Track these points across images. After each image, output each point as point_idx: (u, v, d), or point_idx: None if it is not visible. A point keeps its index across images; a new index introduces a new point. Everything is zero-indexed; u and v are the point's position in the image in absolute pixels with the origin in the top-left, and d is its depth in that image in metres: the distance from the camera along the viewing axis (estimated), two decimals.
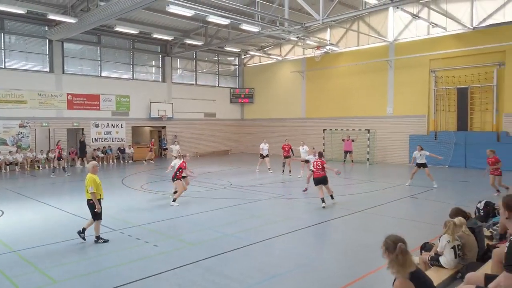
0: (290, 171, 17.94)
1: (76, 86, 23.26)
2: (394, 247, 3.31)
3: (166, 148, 27.28)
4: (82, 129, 23.67)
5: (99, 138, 24.24)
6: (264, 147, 18.89)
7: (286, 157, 18.03)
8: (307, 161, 17.17)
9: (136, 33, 23.27)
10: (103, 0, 16.74)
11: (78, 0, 18.60)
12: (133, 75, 26.38)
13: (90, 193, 7.66)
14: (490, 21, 19.73)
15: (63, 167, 19.14)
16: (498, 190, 12.37)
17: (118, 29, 21.51)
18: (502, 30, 19.18)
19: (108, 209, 10.86)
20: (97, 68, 24.77)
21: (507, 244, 3.45)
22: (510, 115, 19.25)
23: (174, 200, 11.42)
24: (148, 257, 6.91)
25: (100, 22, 18.44)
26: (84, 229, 7.82)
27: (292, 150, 18.07)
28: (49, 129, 22.47)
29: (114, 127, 25.07)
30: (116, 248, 7.43)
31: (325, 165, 11.20)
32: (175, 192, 11.89)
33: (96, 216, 7.78)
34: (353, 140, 22.40)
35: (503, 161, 19.77)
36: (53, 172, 18.98)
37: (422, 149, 14.37)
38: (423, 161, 14.07)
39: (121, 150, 24.74)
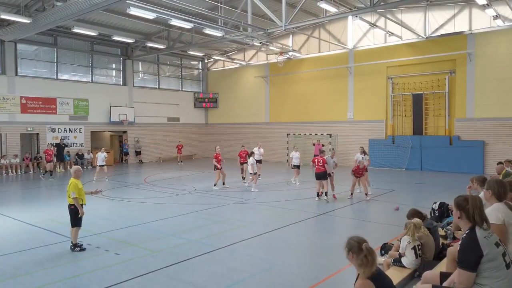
0: (244, 178, 17.10)
1: (30, 88, 22.17)
2: (358, 248, 3.35)
3: (128, 153, 26.58)
4: (37, 134, 22.60)
5: (56, 143, 23.20)
6: (294, 156, 16.91)
7: (243, 163, 17.10)
8: (298, 167, 16.73)
9: (95, 35, 22.54)
10: (60, 0, 16.11)
11: None
12: (92, 78, 25.53)
13: (72, 198, 7.45)
14: (442, 31, 20.88)
15: (49, 171, 19.28)
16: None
17: (76, 30, 20.74)
18: (452, 40, 20.34)
19: (66, 217, 10.41)
20: (54, 71, 23.76)
21: (459, 242, 3.64)
22: (460, 120, 20.40)
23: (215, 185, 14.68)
24: (109, 266, 6.68)
25: (57, 23, 17.73)
26: (75, 244, 7.52)
27: (248, 156, 17.37)
28: (0, 134, 21.25)
29: (72, 132, 24.11)
30: (74, 258, 7.13)
31: (326, 165, 12.43)
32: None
33: (76, 222, 7.54)
34: (323, 145, 22.73)
35: (456, 163, 20.85)
36: (50, 176, 19.12)
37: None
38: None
39: (80, 156, 23.82)
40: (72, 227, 7.57)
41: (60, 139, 22.67)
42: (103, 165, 18.07)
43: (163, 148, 28.69)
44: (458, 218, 3.67)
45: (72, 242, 7.55)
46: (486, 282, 3.44)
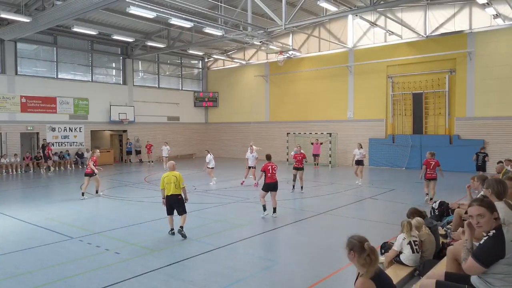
0: (294, 186, 14.29)
1: (30, 88, 22.17)
2: (360, 247, 3.31)
3: (131, 152, 26.61)
4: (37, 133, 22.60)
5: (56, 142, 23.19)
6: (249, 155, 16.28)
7: (299, 169, 14.05)
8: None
9: (95, 34, 22.51)
10: None
11: None
12: (92, 77, 25.52)
13: (182, 188, 8.29)
14: (442, 30, 20.87)
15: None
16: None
17: (75, 29, 20.70)
18: (452, 39, 20.32)
19: (66, 216, 10.45)
20: (54, 70, 23.75)
21: (484, 238, 3.51)
22: (460, 119, 20.39)
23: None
24: (109, 265, 6.68)
25: (57, 22, 17.73)
26: (181, 227, 8.25)
27: (305, 160, 14.67)
28: (0, 133, 21.25)
29: (72, 131, 24.10)
30: (74, 257, 7.12)
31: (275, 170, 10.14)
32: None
33: (185, 209, 8.41)
34: (321, 143, 22.78)
35: (456, 162, 20.76)
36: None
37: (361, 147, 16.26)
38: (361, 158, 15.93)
39: (80, 155, 23.82)
40: (180, 215, 8.33)
41: (43, 140, 22.26)
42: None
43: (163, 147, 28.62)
44: (495, 218, 3.47)
45: (180, 226, 8.29)
46: (498, 284, 3.38)
